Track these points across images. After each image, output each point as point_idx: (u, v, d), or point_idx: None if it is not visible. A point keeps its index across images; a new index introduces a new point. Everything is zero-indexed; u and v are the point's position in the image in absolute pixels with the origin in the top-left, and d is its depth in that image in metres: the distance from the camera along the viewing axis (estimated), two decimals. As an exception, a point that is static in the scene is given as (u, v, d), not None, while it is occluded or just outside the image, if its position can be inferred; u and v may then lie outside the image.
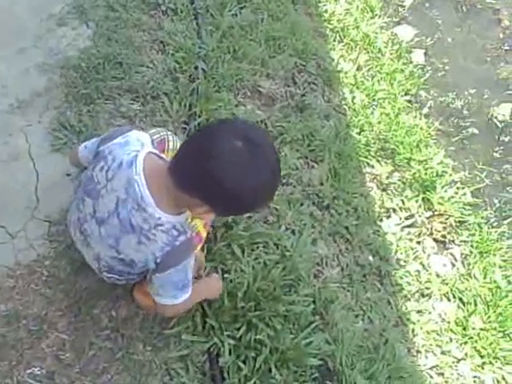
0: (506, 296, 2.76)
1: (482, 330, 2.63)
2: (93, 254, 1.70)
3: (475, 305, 2.71)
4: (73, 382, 1.83)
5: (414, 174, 3.10)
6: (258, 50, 3.03)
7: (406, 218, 2.91)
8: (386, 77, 3.59)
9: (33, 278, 1.99)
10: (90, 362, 1.87)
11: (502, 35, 4.44)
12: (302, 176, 2.71)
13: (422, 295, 2.68)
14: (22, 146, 2.30)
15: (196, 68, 2.76)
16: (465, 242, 2.99)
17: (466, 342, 2.59)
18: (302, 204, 2.59)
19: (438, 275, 2.78)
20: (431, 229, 2.94)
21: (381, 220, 2.84)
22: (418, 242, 2.87)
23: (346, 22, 3.71)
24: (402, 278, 2.67)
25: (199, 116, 2.56)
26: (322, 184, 2.73)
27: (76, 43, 2.68)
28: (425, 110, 3.73)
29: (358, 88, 3.37)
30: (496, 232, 3.10)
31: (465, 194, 3.19)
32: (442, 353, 2.53)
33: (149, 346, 1.93)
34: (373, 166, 3.04)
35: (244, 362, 1.93)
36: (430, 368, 2.48)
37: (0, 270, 1.98)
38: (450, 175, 3.23)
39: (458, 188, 3.19)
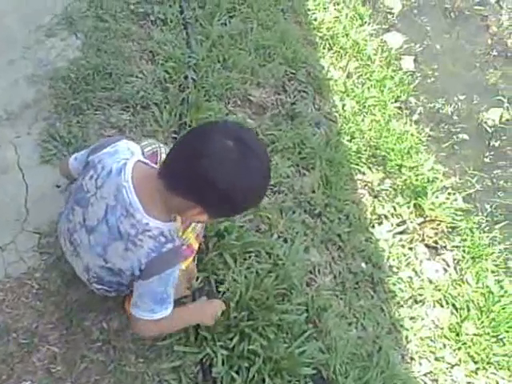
0: (499, 301, 2.76)
1: (475, 335, 2.63)
2: (82, 264, 1.69)
3: (468, 310, 2.71)
4: (64, 395, 1.81)
5: (405, 180, 3.11)
6: (247, 59, 3.04)
7: (398, 225, 2.92)
8: (375, 84, 3.61)
9: (23, 290, 1.97)
10: (81, 374, 1.85)
11: (490, 41, 4.48)
12: (294, 184, 2.71)
13: (415, 302, 2.68)
14: (11, 158, 2.29)
15: (186, 77, 2.76)
16: (457, 247, 3.00)
17: (459, 348, 2.59)
18: (293, 212, 2.58)
19: (430, 281, 2.79)
20: (423, 235, 2.94)
21: (373, 227, 2.84)
22: (410, 249, 2.87)
23: (336, 30, 3.73)
24: (394, 284, 2.66)
25: (189, 126, 2.56)
26: (313, 192, 2.73)
27: (65, 54, 2.68)
28: (415, 117, 3.75)
29: (348, 95, 3.38)
30: (488, 237, 3.12)
31: (456, 200, 3.21)
32: (436, 359, 2.53)
33: (141, 358, 1.91)
34: (364, 173, 3.05)
35: (237, 373, 1.91)
36: (424, 374, 2.47)
37: (-11, 284, 1.97)
38: (441, 181, 3.25)
39: (449, 194, 3.20)
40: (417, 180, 3.12)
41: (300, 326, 2.15)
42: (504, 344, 2.67)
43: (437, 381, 2.47)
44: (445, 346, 2.59)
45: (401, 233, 2.90)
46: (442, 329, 2.63)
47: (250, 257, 2.29)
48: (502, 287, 2.87)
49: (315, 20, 3.73)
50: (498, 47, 4.43)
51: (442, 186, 3.22)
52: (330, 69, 3.47)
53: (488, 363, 2.58)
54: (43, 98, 2.50)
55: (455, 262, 2.95)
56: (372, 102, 3.44)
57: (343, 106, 3.29)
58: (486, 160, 3.73)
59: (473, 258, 2.97)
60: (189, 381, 1.90)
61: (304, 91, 3.18)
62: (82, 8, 2.89)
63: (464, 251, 2.99)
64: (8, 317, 1.91)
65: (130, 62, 2.74)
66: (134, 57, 2.78)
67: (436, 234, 2.97)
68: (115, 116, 2.50)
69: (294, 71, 3.20)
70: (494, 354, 2.60)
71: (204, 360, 1.92)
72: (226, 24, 3.14)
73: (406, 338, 2.53)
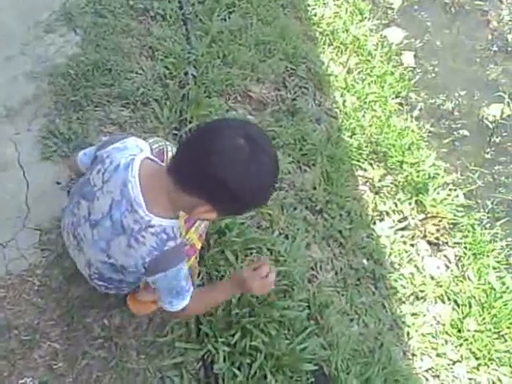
0: (501, 297, 2.76)
1: (476, 331, 2.63)
2: (84, 259, 1.69)
3: (470, 307, 2.70)
4: (66, 392, 1.80)
5: (407, 176, 3.10)
6: (247, 55, 3.02)
7: (399, 221, 2.91)
8: (376, 79, 3.60)
9: (24, 287, 1.97)
10: (83, 371, 1.85)
11: (490, 36, 4.47)
12: (295, 180, 2.71)
13: (417, 298, 2.68)
14: (11, 155, 2.27)
15: (186, 74, 2.75)
16: (458, 243, 3.00)
17: (461, 344, 2.59)
18: (295, 208, 2.58)
19: (432, 277, 2.78)
20: (424, 231, 2.94)
21: (374, 223, 2.84)
22: (412, 245, 2.87)
23: (336, 26, 3.71)
24: (396, 281, 2.66)
25: (190, 122, 2.55)
26: (314, 188, 2.73)
27: (64, 50, 2.66)
28: (415, 113, 3.73)
29: (348, 91, 3.37)
30: (489, 233, 3.11)
31: (457, 196, 3.20)
32: (438, 355, 2.53)
33: (142, 354, 1.91)
34: (365, 170, 3.04)
35: (239, 369, 1.91)
36: (426, 370, 2.47)
37: (-9, 281, 1.96)
38: (442, 177, 3.24)
39: (450, 190, 3.20)
40: (418, 176, 3.11)
41: (302, 323, 2.15)
42: (506, 340, 2.67)
43: (438, 377, 2.47)
44: (446, 342, 2.58)
45: (402, 229, 2.89)
46: (443, 325, 2.63)
47: (251, 253, 2.29)
48: (503, 283, 2.86)
49: (315, 15, 3.72)
50: (499, 42, 4.41)
51: (443, 183, 3.21)
52: (330, 64, 3.45)
53: (490, 359, 2.58)
54: (43, 95, 2.48)
55: (457, 258, 2.95)
56: (372, 97, 3.43)
57: (344, 101, 3.28)
58: (487, 156, 3.72)
59: (474, 254, 2.97)
60: (190, 377, 1.90)
61: (304, 87, 3.16)
62: (81, 4, 2.87)
63: (465, 247, 2.98)
64: (9, 313, 1.91)
65: (129, 58, 2.72)
66: (134, 53, 2.76)
67: (437, 230, 2.96)
68: (115, 112, 2.49)
69: (294, 67, 3.18)
70: (495, 351, 2.60)
71: (206, 356, 1.92)
72: (225, 19, 3.13)
73: (408, 334, 2.53)
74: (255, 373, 1.92)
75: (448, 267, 2.87)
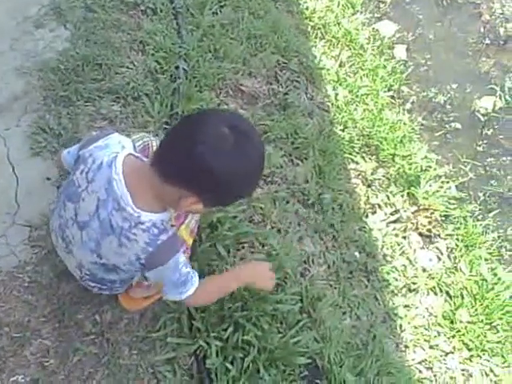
0: (493, 288, 2.77)
1: (469, 323, 2.64)
2: (75, 261, 1.68)
3: (462, 298, 2.71)
4: (58, 388, 1.80)
5: (399, 169, 3.10)
6: (239, 49, 3.01)
7: (392, 214, 2.91)
8: (368, 73, 3.59)
9: (14, 284, 1.96)
10: (75, 367, 1.85)
11: (482, 29, 4.46)
12: (287, 174, 2.70)
13: (409, 290, 2.68)
14: (0, 151, 2.26)
15: (177, 68, 2.74)
16: (450, 235, 3.00)
17: (453, 336, 2.59)
18: (287, 202, 2.58)
19: (424, 270, 2.79)
20: (417, 223, 2.94)
21: (366, 216, 2.84)
22: (404, 237, 2.87)
23: (327, 19, 3.70)
24: (388, 273, 2.66)
25: (181, 116, 2.53)
26: (306, 182, 2.72)
27: (54, 45, 2.64)
28: (408, 106, 3.74)
29: (340, 85, 3.36)
30: (481, 225, 3.12)
31: (449, 188, 3.20)
32: (430, 347, 2.53)
33: (134, 350, 1.90)
34: (357, 163, 3.04)
35: (232, 363, 1.91)
36: (419, 362, 2.48)
37: (-19, 277, 1.95)
38: (435, 170, 3.24)
39: (442, 182, 3.20)
40: (410, 169, 3.11)
41: (294, 316, 2.15)
42: (498, 331, 2.67)
43: (431, 368, 2.48)
44: (439, 333, 2.59)
45: (394, 222, 2.89)
46: (436, 317, 2.63)
47: (243, 247, 2.29)
48: (495, 275, 2.87)
49: (307, 9, 3.70)
50: (491, 35, 4.41)
51: (435, 175, 3.21)
52: (322, 58, 3.44)
53: (482, 350, 2.59)
54: (32, 90, 2.47)
55: (449, 250, 2.95)
56: (365, 91, 3.42)
57: (336, 95, 3.28)
58: (479, 148, 3.72)
59: (466, 246, 2.97)
60: (183, 372, 1.90)
61: (296, 81, 3.16)
62: (70, -2, 2.86)
63: (457, 239, 2.99)
64: (0, 311, 1.90)
65: (120, 53, 2.70)
66: (124, 47, 2.75)
67: (429, 222, 2.97)
68: (106, 107, 2.48)
69: (286, 61, 3.17)
70: (487, 341, 2.61)
71: (198, 351, 1.92)
72: (216, 13, 3.11)
73: (401, 326, 2.53)
74: (248, 367, 1.92)
75: (440, 259, 2.88)
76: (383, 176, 3.05)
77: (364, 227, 2.76)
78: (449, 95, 3.96)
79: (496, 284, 2.80)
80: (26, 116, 2.39)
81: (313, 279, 2.38)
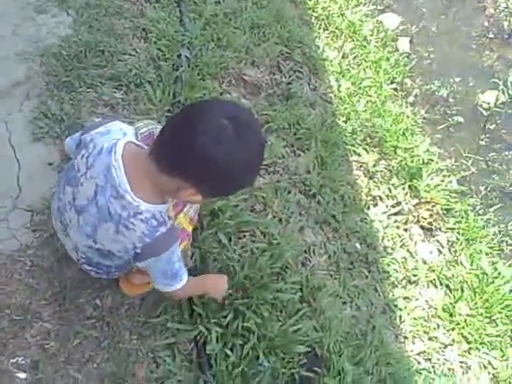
0: (493, 282, 2.77)
1: (468, 316, 2.64)
2: (71, 244, 1.68)
3: (462, 291, 2.71)
4: (58, 371, 1.80)
5: (401, 161, 3.09)
6: (242, 38, 3.00)
7: (393, 206, 2.91)
8: (371, 65, 3.58)
9: (16, 267, 1.96)
10: (75, 350, 1.85)
11: (486, 23, 4.45)
12: (289, 164, 2.70)
13: (409, 282, 2.68)
14: (2, 136, 2.25)
15: (179, 56, 2.73)
16: (451, 229, 3.00)
17: (452, 328, 2.60)
18: (288, 192, 2.57)
19: (424, 262, 2.79)
20: (418, 216, 2.94)
21: (368, 208, 2.83)
22: (405, 230, 2.87)
23: (331, 10, 3.69)
24: (389, 265, 2.66)
25: (183, 104, 2.53)
26: (308, 172, 2.72)
27: (56, 31, 2.64)
28: (410, 99, 3.73)
29: (343, 76, 3.35)
30: (482, 219, 3.12)
31: (451, 182, 3.20)
32: (429, 339, 2.54)
33: (135, 335, 1.91)
34: (359, 154, 3.03)
35: (231, 350, 1.91)
36: (418, 354, 2.48)
37: (-18, 261, 1.95)
38: (437, 163, 3.24)
39: (444, 176, 3.20)
40: (412, 162, 3.11)
41: (294, 305, 2.15)
42: (497, 325, 2.67)
43: (430, 360, 2.48)
44: (438, 326, 2.59)
45: (395, 214, 2.89)
46: (435, 309, 2.63)
47: (244, 236, 2.29)
48: (495, 269, 2.87)
49: None
50: (494, 29, 4.40)
51: (437, 168, 3.21)
52: (325, 49, 3.43)
53: (481, 343, 2.59)
54: (34, 76, 2.46)
55: (449, 243, 2.95)
56: (368, 83, 3.42)
57: (339, 86, 3.27)
58: (481, 143, 3.72)
59: (467, 239, 2.97)
60: (183, 358, 1.91)
61: (299, 71, 3.15)
62: (73, -16, 2.84)
63: (458, 233, 2.99)
64: (1, 293, 1.90)
65: (122, 40, 2.70)
66: (127, 34, 2.74)
67: (431, 215, 2.96)
68: (108, 94, 2.47)
69: (289, 51, 3.17)
70: (486, 335, 2.61)
71: (198, 337, 1.92)
72: (219, 2, 3.11)
73: (400, 317, 2.54)
74: (247, 354, 1.92)
75: (441, 252, 2.88)
76: (385, 168, 3.04)
77: (365, 219, 2.76)
78: (452, 89, 3.95)
79: (496, 278, 2.80)
80: (28, 101, 2.38)
81: (313, 269, 2.39)
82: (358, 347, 2.23)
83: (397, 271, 2.68)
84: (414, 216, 2.94)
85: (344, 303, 2.39)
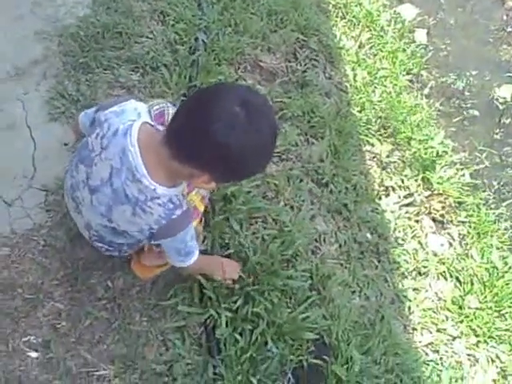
0: (503, 276, 2.76)
1: (477, 309, 2.63)
2: (83, 221, 1.70)
3: (472, 284, 2.70)
4: (68, 351, 1.82)
5: (414, 153, 3.07)
6: (259, 24, 2.98)
7: (405, 197, 2.90)
8: (387, 55, 3.55)
9: (29, 247, 1.98)
10: (86, 331, 1.87)
11: (505, 17, 4.39)
12: (302, 152, 2.69)
13: (419, 273, 2.68)
14: (18, 115, 2.27)
15: (196, 40, 2.72)
16: (463, 222, 2.98)
17: (461, 321, 2.59)
18: (301, 180, 2.57)
19: (435, 254, 2.78)
20: (430, 208, 2.92)
21: (380, 198, 2.82)
22: (417, 221, 2.86)
23: (349, -1, 3.66)
24: (399, 256, 2.66)
25: (199, 88, 2.52)
26: (321, 161, 2.71)
27: (74, 11, 2.64)
28: (426, 91, 3.69)
29: (359, 66, 3.33)
30: (494, 214, 3.09)
31: (464, 175, 3.18)
32: (438, 330, 2.53)
33: (145, 317, 1.92)
34: (373, 145, 3.02)
35: (240, 335, 1.92)
36: (426, 345, 2.48)
37: (-4, 239, 1.96)
38: (450, 156, 3.21)
39: (457, 169, 3.17)
40: (426, 153, 3.08)
41: (304, 292, 2.16)
42: (506, 319, 2.67)
43: (438, 352, 2.48)
44: (447, 318, 2.59)
45: (407, 205, 2.88)
46: (444, 301, 2.63)
47: (256, 222, 2.29)
48: (506, 263, 2.85)
49: (328, -13, 3.66)
50: (513, 23, 4.34)
51: (450, 161, 3.18)
52: (342, 38, 3.41)
53: (489, 337, 2.58)
54: (52, 55, 2.47)
55: (460, 236, 2.94)
56: (383, 73, 3.39)
57: (354, 76, 3.24)
58: (496, 137, 3.69)
59: (478, 233, 2.96)
60: (192, 341, 1.92)
61: (315, 59, 3.13)
62: (93, -35, 2.83)
63: (470, 226, 2.97)
64: (14, 272, 1.92)
65: (140, 22, 2.69)
66: (145, 17, 2.73)
67: (443, 207, 2.95)
68: (124, 76, 2.47)
69: (305, 38, 3.14)
70: (495, 328, 2.60)
71: (208, 321, 1.93)
72: (238, -13, 3.08)
73: (409, 308, 2.53)
74: (256, 339, 1.93)
75: (451, 245, 2.87)
76: (398, 159, 3.03)
77: (377, 209, 2.75)
78: (468, 82, 3.91)
79: (506, 272, 2.79)
80: (44, 81, 2.39)
81: (323, 257, 2.38)
82: (366, 336, 2.23)
83: (407, 262, 2.68)
84: (425, 208, 2.93)
85: (353, 292, 2.38)
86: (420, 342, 2.47)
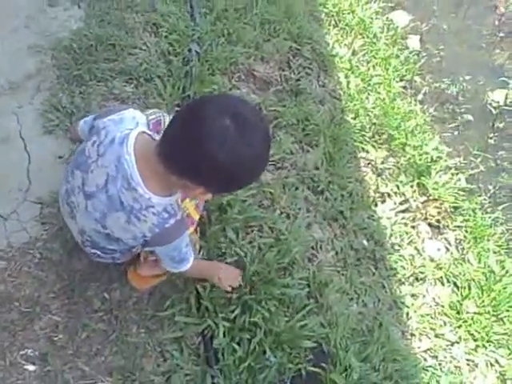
0: (500, 280, 2.76)
1: (475, 313, 2.64)
2: (77, 227, 1.70)
3: (469, 289, 2.71)
4: (66, 363, 1.82)
5: (409, 159, 3.09)
6: (252, 34, 3.00)
7: (401, 203, 2.90)
8: (381, 62, 3.57)
9: (25, 260, 1.98)
10: (83, 343, 1.87)
11: (497, 22, 4.42)
12: (297, 160, 2.70)
13: (417, 279, 2.68)
14: (13, 128, 2.27)
15: (190, 51, 2.73)
16: (459, 227, 2.99)
17: (459, 326, 2.59)
18: (296, 188, 2.57)
19: (432, 259, 2.78)
20: (426, 214, 2.93)
21: (375, 205, 2.83)
22: (413, 227, 2.86)
23: (342, 7, 3.68)
24: (396, 262, 2.66)
25: (193, 99, 2.53)
26: (316, 168, 2.72)
27: (68, 24, 2.65)
28: (420, 96, 3.71)
29: (353, 73, 3.34)
30: (490, 218, 3.11)
31: (459, 180, 3.19)
32: (436, 336, 2.54)
33: (142, 328, 1.92)
34: (368, 151, 3.03)
35: (238, 344, 1.92)
36: (424, 351, 2.48)
37: (-9, 252, 1.96)
38: (445, 161, 3.23)
39: (452, 174, 3.19)
40: (420, 159, 3.10)
41: (301, 301, 2.16)
42: (504, 323, 2.67)
43: (436, 357, 2.48)
44: (445, 323, 2.59)
45: (403, 211, 2.88)
46: (442, 306, 2.63)
47: (252, 231, 2.29)
48: (503, 267, 2.86)
49: (321, -4, 3.68)
50: (505, 28, 4.36)
51: (445, 166, 3.20)
52: (335, 46, 3.43)
53: (488, 341, 2.59)
54: (46, 69, 2.47)
55: (457, 241, 2.95)
56: (377, 80, 3.41)
57: (348, 83, 3.26)
58: (490, 141, 3.70)
59: (475, 238, 2.97)
60: (190, 352, 1.92)
61: (309, 67, 3.14)
62: (85, -22, 2.85)
63: (466, 231, 2.98)
64: (10, 285, 1.92)
65: (133, 34, 2.70)
66: (138, 28, 2.74)
67: (439, 213, 2.96)
68: (118, 88, 2.48)
69: (298, 47, 3.16)
70: (493, 333, 2.61)
71: (205, 331, 1.93)
72: (230, -3, 3.10)
73: (407, 314, 2.54)
74: (254, 348, 1.93)
75: (448, 250, 2.87)
76: (393, 165, 3.04)
77: (373, 215, 2.76)
78: (461, 87, 3.93)
79: (504, 276, 2.80)
80: (38, 94, 2.39)
81: (320, 265, 2.39)
82: (364, 343, 2.23)
83: (404, 268, 2.68)
84: (421, 213, 2.94)
85: (351, 299, 2.39)
86: (418, 347, 2.47)
